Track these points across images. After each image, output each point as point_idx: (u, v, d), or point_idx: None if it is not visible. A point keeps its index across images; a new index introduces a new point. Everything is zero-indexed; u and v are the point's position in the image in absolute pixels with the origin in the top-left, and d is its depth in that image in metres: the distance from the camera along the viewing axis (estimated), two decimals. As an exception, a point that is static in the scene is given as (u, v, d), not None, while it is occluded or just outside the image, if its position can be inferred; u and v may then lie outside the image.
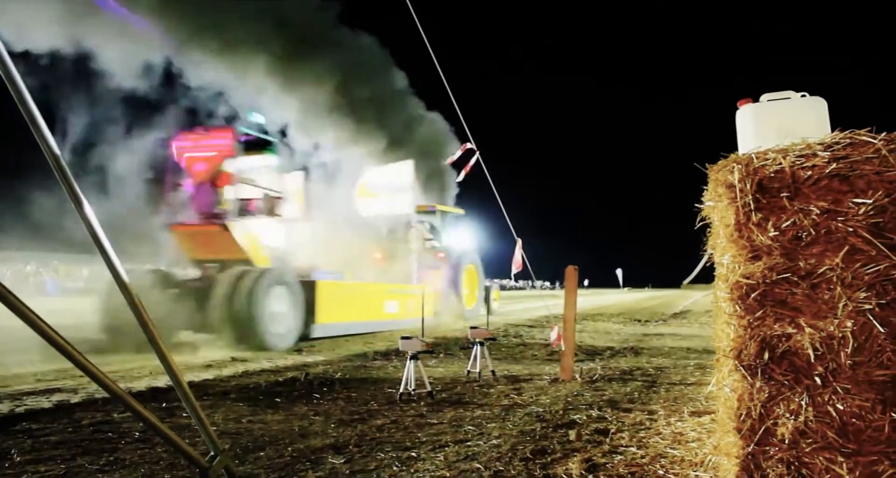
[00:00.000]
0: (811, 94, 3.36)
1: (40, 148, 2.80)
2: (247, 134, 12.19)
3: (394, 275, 16.94)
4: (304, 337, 12.22)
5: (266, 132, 12.80)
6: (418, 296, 16.19)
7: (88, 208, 2.87)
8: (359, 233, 16.29)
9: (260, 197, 12.30)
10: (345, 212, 16.07)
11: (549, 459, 4.04)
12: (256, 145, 12.33)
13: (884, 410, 2.54)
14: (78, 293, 38.26)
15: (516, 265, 8.74)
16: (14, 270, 37.68)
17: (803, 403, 2.68)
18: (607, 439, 4.50)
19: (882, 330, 2.55)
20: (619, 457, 4.04)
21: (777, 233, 2.80)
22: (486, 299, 21.50)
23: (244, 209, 12.11)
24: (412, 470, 3.82)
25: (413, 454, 4.18)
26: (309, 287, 12.37)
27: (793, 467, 2.67)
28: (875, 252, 2.60)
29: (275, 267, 11.91)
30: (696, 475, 3.57)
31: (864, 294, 2.61)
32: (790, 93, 3.39)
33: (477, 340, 7.57)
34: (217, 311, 10.85)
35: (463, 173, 9.05)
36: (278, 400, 6.10)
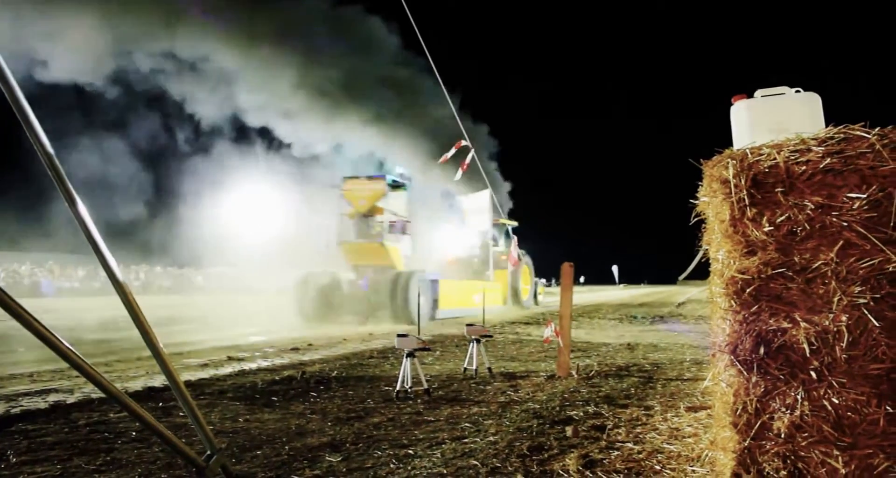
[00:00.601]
0: (805, 90, 3.36)
1: (36, 148, 2.79)
2: (393, 180, 18.49)
3: (475, 274, 23.27)
4: (431, 318, 17.58)
5: (404, 177, 19.43)
6: (495, 289, 22.69)
7: (82, 207, 2.86)
8: (452, 242, 23.05)
9: (397, 221, 18.14)
10: (443, 227, 23.09)
11: (546, 455, 4.04)
12: (397, 186, 18.57)
13: (879, 403, 2.55)
14: (74, 293, 38.25)
15: (512, 262, 8.77)
16: (8, 270, 37.59)
17: (799, 397, 2.68)
18: (604, 435, 4.50)
19: (877, 324, 2.56)
20: (616, 453, 4.05)
21: (772, 228, 2.81)
22: (535, 293, 28.15)
23: (389, 230, 17.90)
24: (409, 467, 3.83)
25: (410, 452, 4.18)
26: (434, 284, 18.04)
27: (789, 461, 2.68)
28: (869, 246, 2.61)
29: (417, 270, 17.55)
30: (693, 470, 3.57)
31: (858, 288, 2.61)
32: (784, 88, 3.39)
33: (473, 337, 7.57)
34: (383, 300, 16.62)
35: (460, 172, 9.05)
36: (275, 399, 6.09)
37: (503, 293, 23.91)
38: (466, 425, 4.94)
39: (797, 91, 3.36)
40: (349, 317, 17.19)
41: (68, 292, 38.64)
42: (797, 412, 2.68)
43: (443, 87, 7.33)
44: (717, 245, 3.09)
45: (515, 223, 27.34)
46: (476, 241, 23.88)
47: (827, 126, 2.91)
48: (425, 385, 6.22)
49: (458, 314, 18.63)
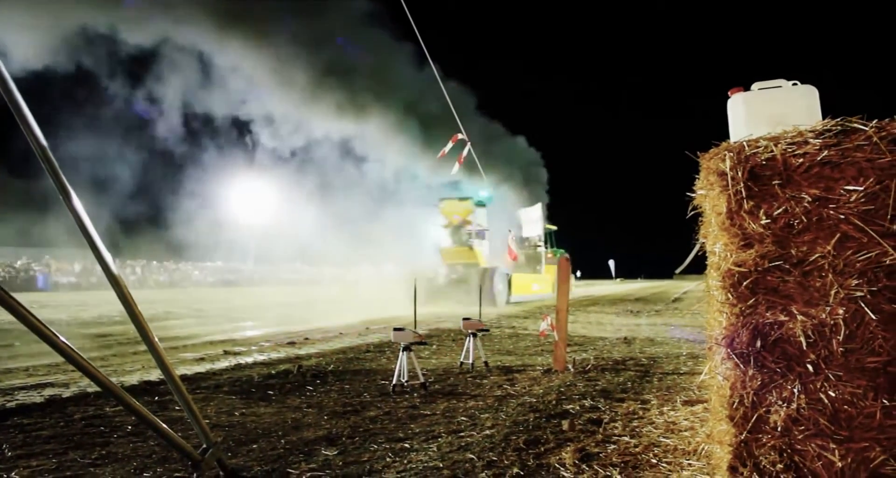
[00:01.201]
0: (802, 83, 3.35)
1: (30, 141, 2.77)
2: (478, 200, 25.47)
3: (529, 268, 29.38)
4: (507, 302, 23.94)
5: (486, 195, 26.56)
6: (545, 280, 29.13)
7: (76, 200, 2.85)
8: (513, 244, 24.92)
9: (479, 230, 25.15)
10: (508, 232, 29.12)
11: (542, 448, 4.04)
12: (480, 204, 25.58)
13: (875, 396, 2.55)
14: (70, 288, 38.18)
15: (511, 256, 8.75)
16: (4, 265, 37.51)
17: (795, 390, 2.68)
18: (600, 429, 4.50)
19: (874, 317, 2.55)
20: (613, 446, 4.05)
21: (769, 220, 2.80)
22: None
23: (475, 236, 24.80)
24: (405, 461, 3.82)
25: (406, 445, 4.18)
26: (508, 276, 24.39)
27: (785, 455, 2.68)
28: (866, 239, 2.60)
29: (498, 266, 23.90)
30: (689, 464, 3.58)
31: (855, 281, 2.61)
32: (781, 81, 3.38)
33: (470, 331, 7.57)
34: (475, 289, 20.17)
35: (457, 165, 9.02)
36: (271, 393, 6.08)
37: (551, 283, 29.52)
38: (463, 418, 4.94)
39: (794, 84, 3.34)
40: (444, 301, 22.78)
41: (64, 287, 38.58)
42: (794, 405, 2.68)
43: (441, 83, 7.31)
44: (714, 238, 3.08)
45: (556, 228, 33.75)
46: (530, 242, 30.29)
47: (824, 119, 2.90)
48: (422, 379, 6.22)
49: (524, 299, 25.96)
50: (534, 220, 28.23)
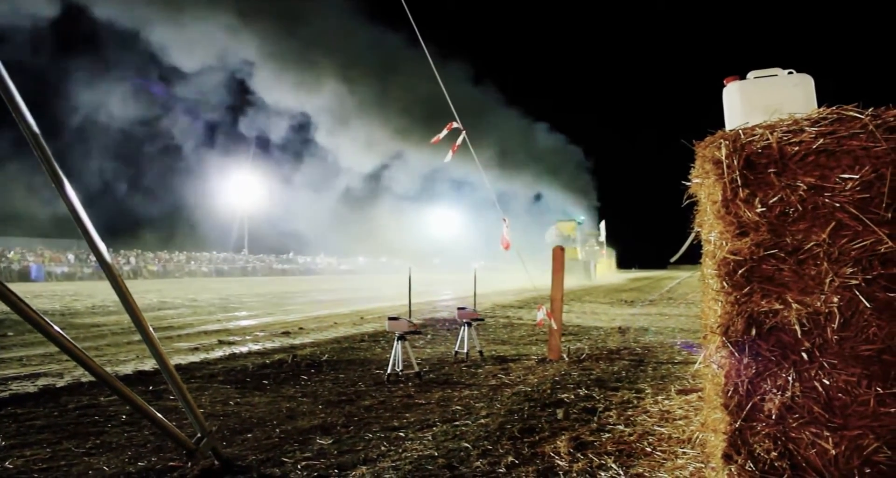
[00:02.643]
0: (798, 71, 3.34)
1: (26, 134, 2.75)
2: (578, 221, 67.26)
3: (593, 260, 57.81)
4: (593, 280, 49.44)
5: (582, 218, 69.58)
6: (608, 266, 66.55)
7: (69, 188, 2.83)
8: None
9: (578, 238, 62.98)
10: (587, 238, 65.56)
11: (537, 437, 4.05)
12: (579, 223, 67.86)
13: (869, 384, 2.56)
14: (64, 278, 38.09)
15: (504, 245, 8.73)
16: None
17: (790, 378, 2.68)
18: (595, 418, 4.52)
19: (868, 305, 2.56)
20: (607, 435, 4.06)
21: (764, 209, 2.79)
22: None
23: (576, 242, 60.47)
24: (400, 450, 3.83)
25: (401, 434, 4.19)
26: (595, 266, 56.92)
27: (779, 442, 2.69)
28: (861, 228, 2.60)
29: (590, 259, 57.98)
30: (684, 452, 3.59)
31: (850, 269, 2.61)
32: (777, 70, 3.37)
33: (465, 320, 7.58)
34: (580, 272, 48.92)
35: (450, 154, 8.98)
36: (265, 382, 6.08)
37: (608, 268, 56.57)
38: (457, 408, 4.95)
39: (790, 72, 3.34)
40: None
41: (58, 278, 38.49)
42: (788, 394, 2.68)
43: (437, 74, 7.26)
44: (710, 226, 3.08)
45: (604, 231, 66.46)
46: (595, 242, 58.47)
47: (820, 107, 2.89)
48: (416, 368, 6.23)
49: (600, 279, 47.36)
50: (602, 229, 58.39)
